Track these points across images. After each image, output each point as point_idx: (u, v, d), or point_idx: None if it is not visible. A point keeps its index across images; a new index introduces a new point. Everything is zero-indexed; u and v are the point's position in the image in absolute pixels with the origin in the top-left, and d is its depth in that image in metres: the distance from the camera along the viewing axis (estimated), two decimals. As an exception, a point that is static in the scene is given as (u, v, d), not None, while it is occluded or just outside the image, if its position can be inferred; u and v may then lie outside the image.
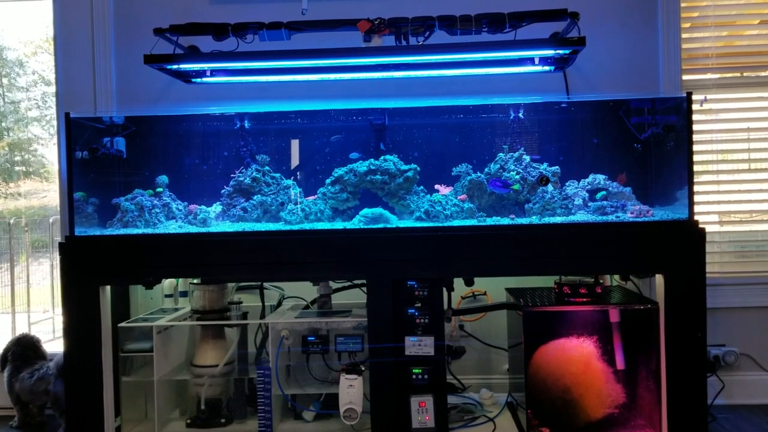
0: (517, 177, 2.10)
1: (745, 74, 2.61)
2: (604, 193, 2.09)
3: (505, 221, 2.00)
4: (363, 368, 1.94)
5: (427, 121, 2.23)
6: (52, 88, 2.72)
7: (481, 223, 1.99)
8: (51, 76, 3.49)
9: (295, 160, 2.23)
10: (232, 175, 2.22)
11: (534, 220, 2.02)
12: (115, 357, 2.01)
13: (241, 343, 2.18)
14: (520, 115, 2.20)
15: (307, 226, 2.06)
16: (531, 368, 2.00)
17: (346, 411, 1.88)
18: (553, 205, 2.06)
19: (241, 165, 2.24)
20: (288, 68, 2.13)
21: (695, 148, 1.92)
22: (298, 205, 2.12)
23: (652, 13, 2.48)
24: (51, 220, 4.05)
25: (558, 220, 2.00)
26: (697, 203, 1.91)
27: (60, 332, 2.16)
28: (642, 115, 2.14)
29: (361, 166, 2.14)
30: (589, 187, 2.12)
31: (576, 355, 2.01)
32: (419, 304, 1.90)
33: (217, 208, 2.21)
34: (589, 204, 2.08)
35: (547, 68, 2.19)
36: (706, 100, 2.52)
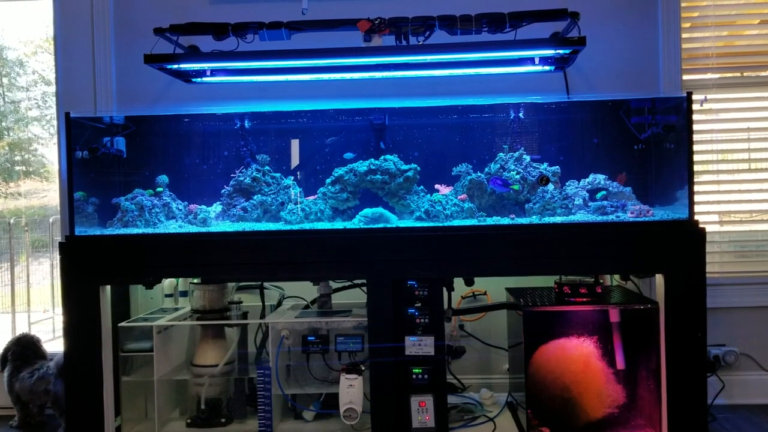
0: (518, 177, 2.10)
1: (745, 74, 2.61)
2: (604, 192, 2.09)
3: (505, 221, 2.00)
4: (363, 368, 1.94)
5: (428, 121, 2.23)
6: (52, 88, 2.72)
7: (481, 223, 1.99)
8: (51, 75, 3.49)
9: (295, 160, 2.23)
10: (232, 175, 2.22)
11: (534, 219, 2.02)
12: (115, 357, 2.01)
13: (241, 342, 2.18)
14: (520, 114, 2.20)
15: (307, 225, 2.06)
16: (531, 368, 2.00)
17: (346, 411, 1.88)
18: (553, 205, 2.06)
19: (241, 165, 2.24)
20: (288, 68, 2.13)
21: (695, 147, 1.92)
22: (299, 205, 2.12)
23: (652, 12, 2.48)
24: (51, 220, 4.06)
25: (558, 219, 2.00)
26: (697, 203, 1.91)
27: (60, 332, 2.16)
28: (642, 114, 2.14)
29: (362, 166, 2.14)
30: (590, 186, 2.12)
31: (576, 354, 2.01)
32: (419, 304, 1.90)
33: (217, 207, 2.22)
34: (590, 204, 2.08)
35: (547, 68, 2.19)
36: (706, 100, 2.52)
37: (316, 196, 2.17)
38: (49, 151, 4.35)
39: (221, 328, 2.16)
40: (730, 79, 2.59)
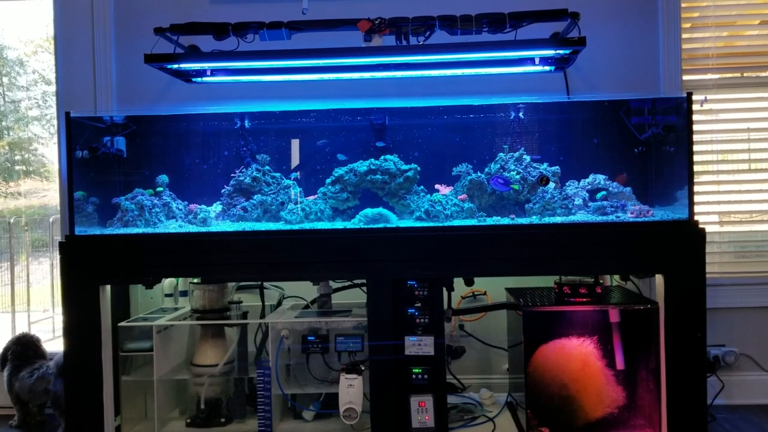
0: (518, 177, 2.10)
1: (745, 74, 2.61)
2: (604, 193, 2.09)
3: (506, 221, 2.00)
4: (363, 368, 1.94)
5: (428, 121, 2.23)
6: (53, 88, 2.72)
7: (481, 223, 1.99)
8: (51, 75, 3.49)
9: (295, 160, 2.23)
10: (232, 175, 2.22)
11: (534, 220, 2.02)
12: (115, 356, 2.01)
13: (240, 342, 2.18)
14: (521, 115, 2.20)
15: (307, 225, 2.06)
16: (531, 368, 2.00)
17: (345, 410, 1.88)
18: (553, 205, 2.06)
19: (241, 164, 2.24)
20: (288, 68, 2.13)
21: (695, 148, 1.92)
22: (299, 205, 2.12)
23: (652, 13, 2.49)
24: (51, 220, 4.06)
25: (558, 220, 2.00)
26: (697, 203, 1.91)
27: (60, 331, 2.16)
28: (642, 115, 2.14)
29: (362, 166, 2.14)
30: (589, 187, 2.12)
31: (576, 355, 2.01)
32: (419, 304, 1.90)
33: (217, 207, 2.21)
34: (589, 204, 2.08)
35: (547, 68, 2.19)
36: (706, 101, 2.52)
37: (316, 196, 2.17)
38: (49, 151, 4.35)
39: (221, 327, 2.16)
40: (730, 80, 2.59)
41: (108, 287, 1.97)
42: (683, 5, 2.49)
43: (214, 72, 2.21)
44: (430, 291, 1.90)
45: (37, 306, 4.05)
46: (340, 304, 2.21)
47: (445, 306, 1.99)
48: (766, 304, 2.53)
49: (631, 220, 1.96)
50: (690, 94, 1.90)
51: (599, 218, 2.00)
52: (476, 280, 2.04)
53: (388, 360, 1.88)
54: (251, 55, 2.00)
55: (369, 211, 2.04)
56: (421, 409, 1.88)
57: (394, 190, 2.13)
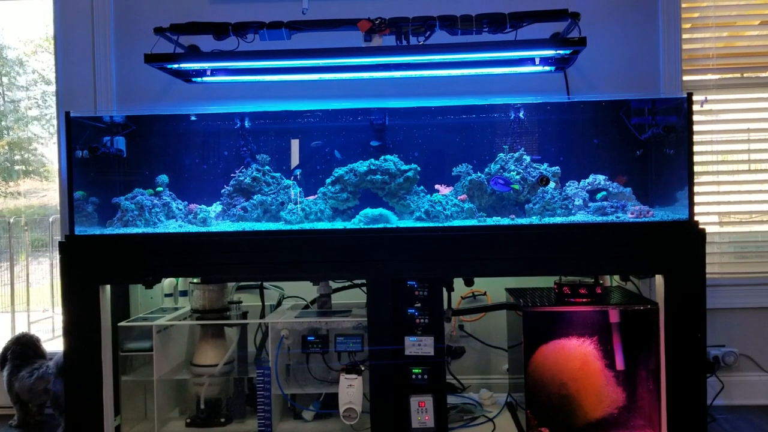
0: (518, 177, 2.10)
1: (745, 75, 2.61)
2: (604, 193, 2.09)
3: (506, 221, 2.00)
4: (363, 368, 1.94)
5: (428, 121, 2.23)
6: (52, 87, 2.72)
7: (481, 223, 1.99)
8: (51, 75, 3.49)
9: (295, 160, 2.23)
10: (232, 175, 2.22)
11: (534, 220, 2.02)
12: (114, 356, 2.01)
13: (240, 342, 2.18)
14: (521, 115, 2.20)
15: (307, 225, 2.06)
16: (530, 368, 2.00)
17: (345, 411, 1.88)
18: (553, 206, 2.06)
19: (241, 164, 2.24)
20: (288, 68, 2.13)
21: (695, 148, 1.92)
22: (298, 205, 2.12)
23: (652, 13, 2.49)
24: (51, 219, 4.06)
25: (558, 220, 2.00)
26: (697, 204, 1.91)
27: (59, 331, 2.16)
28: (642, 115, 2.14)
29: (362, 166, 2.14)
30: (590, 187, 2.12)
31: (575, 355, 2.01)
32: (419, 304, 1.90)
33: (217, 207, 2.21)
34: (589, 204, 2.08)
35: (547, 68, 2.19)
36: (706, 101, 2.52)
37: (316, 196, 2.17)
38: (49, 151, 4.35)
39: (221, 327, 2.16)
40: (731, 80, 2.59)
41: (108, 287, 1.97)
42: (683, 5, 2.50)
43: (214, 72, 2.21)
44: (430, 291, 1.90)
45: (36, 306, 4.05)
46: (340, 305, 2.21)
47: (445, 306, 1.99)
48: (766, 305, 2.53)
49: (631, 220, 1.96)
50: (690, 95, 1.90)
51: (599, 219, 2.00)
52: (476, 280, 2.03)
53: (388, 360, 1.88)
54: (251, 55, 2.00)
55: (369, 211, 2.04)
56: (421, 410, 1.88)
57: (394, 190, 2.13)
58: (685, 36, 2.52)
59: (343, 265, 1.91)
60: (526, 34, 2.01)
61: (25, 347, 2.34)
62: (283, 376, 2.10)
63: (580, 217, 2.03)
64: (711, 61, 2.57)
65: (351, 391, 1.89)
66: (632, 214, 1.98)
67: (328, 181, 2.17)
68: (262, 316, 2.27)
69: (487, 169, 2.15)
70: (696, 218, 1.88)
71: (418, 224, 2.01)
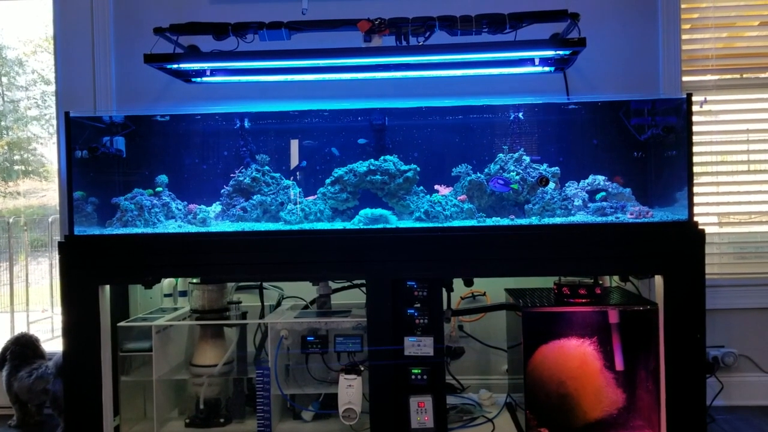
0: (517, 177, 2.10)
1: (744, 76, 2.61)
2: (603, 194, 2.09)
3: (505, 222, 2.00)
4: (362, 368, 1.94)
5: (427, 122, 2.23)
6: (52, 87, 2.72)
7: (480, 224, 1.99)
8: (50, 75, 3.49)
9: (294, 160, 2.23)
10: (231, 175, 2.22)
11: (534, 220, 2.02)
12: (114, 356, 2.01)
13: (240, 343, 2.18)
14: (520, 115, 2.20)
15: (306, 226, 2.06)
16: (530, 369, 2.00)
17: (345, 411, 1.88)
18: (552, 206, 2.06)
19: (240, 165, 2.24)
20: (288, 68, 2.13)
21: (695, 149, 1.92)
22: (298, 205, 2.12)
23: (652, 14, 2.49)
24: (50, 220, 4.05)
25: (557, 220, 2.00)
26: (696, 204, 1.91)
27: (59, 331, 2.16)
28: (642, 116, 2.14)
29: (361, 167, 2.14)
30: (589, 188, 2.12)
31: (575, 355, 2.01)
32: (418, 305, 1.90)
33: (216, 207, 2.21)
34: (589, 205, 2.08)
35: (547, 69, 2.19)
36: (706, 102, 2.52)
37: (315, 196, 2.17)
38: (49, 151, 4.35)
39: (220, 328, 2.16)
40: (730, 81, 2.59)
41: (107, 287, 1.97)
42: (683, 6, 2.50)
43: (214, 72, 2.21)
44: (430, 291, 1.90)
45: (36, 306, 4.05)
46: (340, 305, 2.21)
47: (445, 306, 1.99)
48: (765, 305, 2.54)
49: (631, 221, 1.96)
50: (690, 95, 1.90)
51: (599, 219, 2.00)
52: (476, 280, 2.03)
53: (388, 361, 1.88)
54: (251, 55, 2.00)
55: (368, 212, 2.04)
56: (421, 410, 1.88)
57: (393, 190, 2.13)
58: (684, 37, 2.52)
59: (342, 266, 1.91)
60: (525, 34, 2.01)
61: (25, 347, 2.33)
62: (283, 376, 2.10)
63: (579, 217, 2.03)
64: (710, 62, 2.57)
65: (350, 391, 1.89)
66: (632, 214, 1.98)
67: (328, 181, 2.17)
68: (262, 316, 2.27)
69: (486, 170, 2.15)
70: (695, 219, 1.88)
71: (418, 224, 2.01)
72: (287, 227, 2.04)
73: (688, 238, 1.85)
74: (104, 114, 2.38)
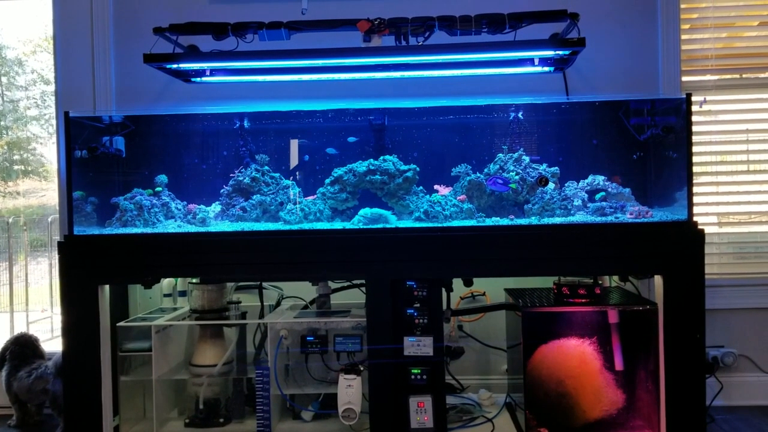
0: (517, 177, 2.10)
1: (744, 76, 2.61)
2: (603, 194, 2.09)
3: (505, 222, 2.00)
4: (362, 368, 1.94)
5: (427, 122, 2.23)
6: (52, 87, 2.72)
7: (480, 224, 1.99)
8: (50, 75, 3.49)
9: (294, 160, 2.23)
10: (231, 175, 2.22)
11: (533, 220, 2.02)
12: (113, 356, 2.01)
13: (239, 342, 2.18)
14: (520, 115, 2.20)
15: (306, 226, 2.06)
16: (529, 369, 2.00)
17: (344, 411, 1.88)
18: (552, 206, 2.06)
19: (240, 165, 2.24)
20: (288, 68, 2.13)
21: (694, 149, 1.92)
22: (297, 205, 2.12)
23: (651, 14, 2.49)
24: (50, 219, 4.05)
25: (557, 220, 2.00)
26: (696, 204, 1.91)
27: (58, 331, 2.16)
28: (641, 116, 2.14)
29: (361, 167, 2.14)
30: (589, 187, 2.12)
31: (574, 355, 2.01)
32: (418, 305, 1.90)
33: (216, 207, 2.21)
34: (589, 205, 2.08)
35: (546, 69, 2.19)
36: (705, 102, 2.52)
37: (315, 196, 2.17)
38: (48, 151, 4.35)
39: (220, 328, 2.16)
40: (729, 81, 2.59)
41: (107, 287, 1.96)
42: (682, 6, 2.50)
43: (214, 72, 2.21)
44: (429, 291, 1.90)
45: (35, 306, 4.05)
46: (339, 305, 2.21)
47: (444, 306, 1.99)
48: (764, 305, 2.54)
49: (630, 221, 1.96)
50: (689, 95, 1.90)
51: (598, 219, 2.00)
52: (475, 280, 2.04)
53: (387, 360, 1.88)
54: (250, 55, 2.00)
55: (368, 212, 2.04)
56: (420, 410, 1.88)
57: (393, 190, 2.13)
58: (684, 37, 2.52)
59: (342, 266, 1.91)
60: (525, 34, 2.01)
61: (24, 347, 2.33)
62: (282, 376, 2.10)
63: (579, 217, 2.03)
64: (710, 62, 2.57)
65: (350, 391, 1.89)
66: (631, 214, 1.98)
67: (327, 181, 2.17)
68: (261, 316, 2.27)
69: (486, 170, 2.15)
70: (695, 219, 1.88)
71: (417, 224, 2.01)
72: (287, 227, 2.04)
73: (688, 238, 1.85)
74: (104, 114, 2.38)
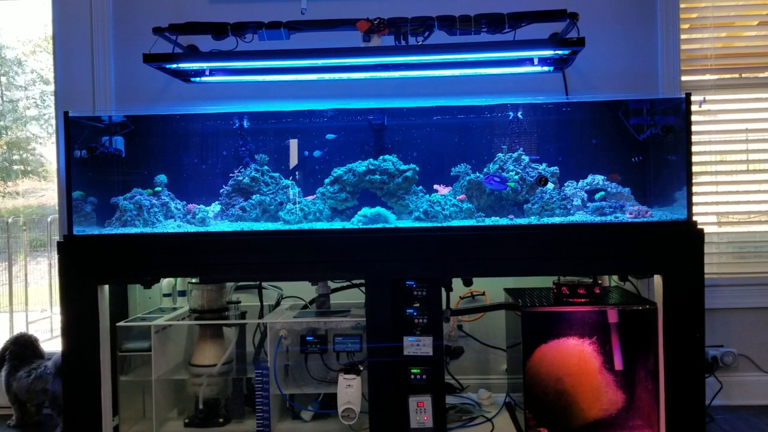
0: (516, 177, 2.10)
1: (743, 75, 2.62)
2: (603, 193, 2.09)
3: (504, 221, 2.00)
4: (361, 368, 1.94)
5: (426, 121, 2.23)
6: (51, 87, 2.72)
7: (479, 224, 1.99)
8: (50, 74, 3.49)
9: (293, 160, 2.23)
10: (231, 175, 2.22)
11: (533, 220, 2.02)
12: (113, 356, 2.01)
13: (239, 342, 2.18)
14: (519, 115, 2.20)
15: (305, 225, 2.06)
16: (529, 368, 2.00)
17: (344, 411, 1.88)
18: (551, 206, 2.06)
19: (239, 164, 2.24)
20: (287, 68, 2.12)
21: (694, 149, 1.92)
22: (297, 205, 2.12)
23: (651, 14, 2.49)
24: (49, 219, 4.05)
25: (557, 220, 2.00)
26: (695, 204, 1.91)
27: (58, 331, 2.16)
28: (641, 115, 2.15)
29: (360, 166, 2.14)
30: (588, 187, 2.12)
31: (574, 355, 2.01)
32: (418, 304, 1.90)
33: (215, 207, 2.21)
34: (588, 204, 2.08)
35: (546, 69, 2.19)
36: (704, 101, 2.52)
37: (314, 196, 2.17)
38: (48, 151, 4.34)
39: (219, 327, 2.16)
40: (729, 80, 2.59)
41: (106, 287, 1.96)
42: (682, 6, 2.50)
43: (213, 72, 2.21)
44: (429, 291, 1.90)
45: (35, 306, 4.05)
46: (339, 304, 2.21)
47: (444, 306, 1.99)
48: (764, 305, 2.54)
49: (630, 220, 1.96)
50: (688, 95, 1.90)
51: (598, 219, 2.00)
52: (475, 280, 2.04)
53: (387, 360, 1.88)
54: (250, 55, 2.00)
55: (368, 211, 2.04)
56: (420, 410, 1.88)
57: (392, 190, 2.13)
58: (683, 36, 2.52)
59: (341, 265, 1.91)
60: (524, 34, 2.01)
61: (24, 347, 2.33)
62: (282, 376, 2.10)
63: (578, 217, 2.03)
64: (709, 62, 2.57)
65: (350, 391, 1.89)
66: (631, 214, 1.98)
67: (327, 181, 2.17)
68: (261, 316, 2.27)
69: (485, 169, 2.15)
70: (694, 218, 1.88)
71: (417, 224, 2.01)
72: (286, 227, 2.04)
73: (688, 238, 1.85)
74: (103, 114, 2.38)
